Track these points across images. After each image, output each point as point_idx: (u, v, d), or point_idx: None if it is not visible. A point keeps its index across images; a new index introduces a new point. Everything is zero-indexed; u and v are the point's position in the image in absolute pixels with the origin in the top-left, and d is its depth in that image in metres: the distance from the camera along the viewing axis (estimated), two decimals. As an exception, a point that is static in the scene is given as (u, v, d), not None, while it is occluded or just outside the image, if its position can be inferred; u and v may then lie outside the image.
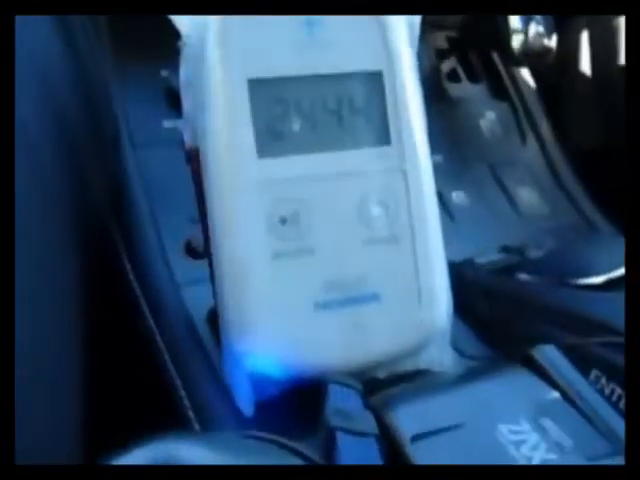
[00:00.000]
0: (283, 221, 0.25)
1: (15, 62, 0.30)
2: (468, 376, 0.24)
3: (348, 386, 0.22)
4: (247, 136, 0.25)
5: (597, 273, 0.30)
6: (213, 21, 0.25)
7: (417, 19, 0.29)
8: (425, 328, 0.26)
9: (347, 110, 0.26)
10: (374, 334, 0.26)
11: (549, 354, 0.23)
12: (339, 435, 0.19)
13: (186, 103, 0.28)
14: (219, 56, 0.25)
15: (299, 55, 0.25)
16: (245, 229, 0.25)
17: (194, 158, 0.27)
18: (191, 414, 0.28)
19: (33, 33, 0.33)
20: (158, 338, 0.33)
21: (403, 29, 0.27)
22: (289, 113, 0.25)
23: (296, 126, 0.25)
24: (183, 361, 0.31)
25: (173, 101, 0.42)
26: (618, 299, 0.27)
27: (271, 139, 0.25)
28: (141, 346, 0.34)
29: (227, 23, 0.25)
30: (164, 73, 0.42)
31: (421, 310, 0.26)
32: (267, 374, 0.25)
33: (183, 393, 0.30)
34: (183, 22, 0.27)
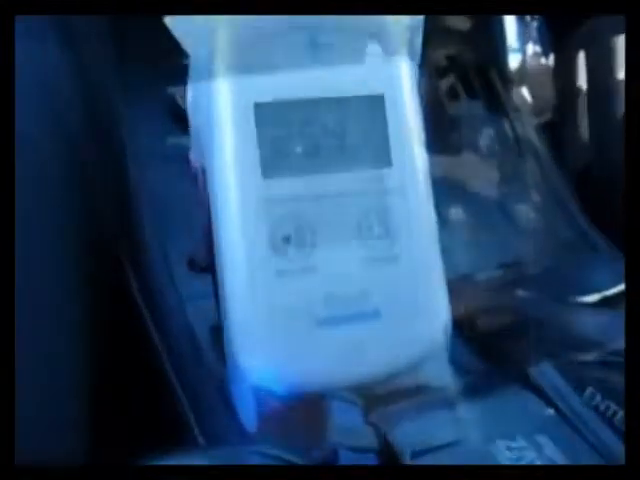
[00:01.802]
0: (286, 240, 0.26)
1: (21, 79, 0.31)
2: (467, 393, 0.24)
3: (349, 402, 0.23)
4: (252, 158, 0.25)
5: (592, 291, 0.30)
6: (220, 44, 0.26)
7: (419, 35, 0.29)
8: (424, 345, 0.27)
9: (350, 132, 0.26)
10: (374, 350, 0.26)
11: (545, 372, 0.23)
12: (340, 451, 0.20)
13: (193, 121, 0.28)
14: (226, 80, 0.25)
15: (303, 78, 0.26)
16: (249, 247, 0.25)
17: (200, 176, 0.28)
18: (196, 429, 0.28)
19: (39, 50, 0.34)
20: (163, 353, 0.33)
21: (405, 51, 0.28)
22: (293, 135, 0.26)
23: (300, 148, 0.26)
24: (187, 377, 0.32)
25: (178, 117, 0.42)
26: (612, 318, 0.28)
27: (276, 160, 0.26)
28: (146, 360, 0.34)
29: (234, 46, 0.26)
30: (170, 89, 0.43)
31: (420, 327, 0.27)
32: (270, 389, 0.26)
33: (188, 408, 0.31)
34: (189, 42, 0.28)
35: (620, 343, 0.26)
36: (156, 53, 0.38)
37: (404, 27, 0.28)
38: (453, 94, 0.56)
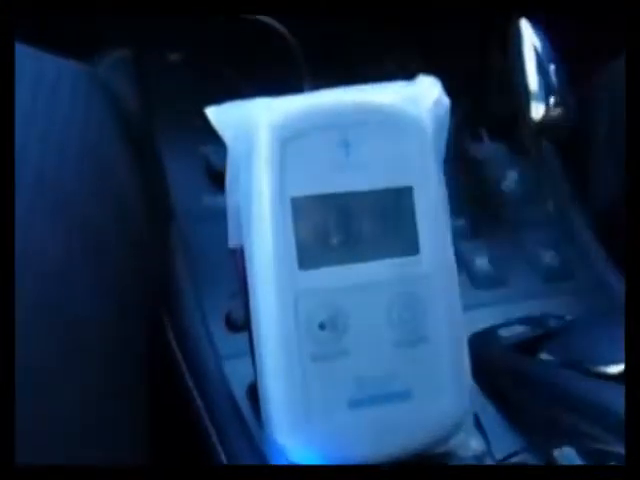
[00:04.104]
0: (322, 327, 0.27)
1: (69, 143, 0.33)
2: None
3: None
4: (290, 250, 0.27)
5: (614, 362, 0.31)
6: (260, 142, 0.28)
7: (446, 126, 0.31)
8: (452, 420, 0.29)
9: (380, 223, 0.28)
10: (404, 429, 0.28)
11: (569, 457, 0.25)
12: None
13: (230, 203, 0.30)
14: (265, 177, 0.27)
15: (337, 174, 0.28)
16: (286, 334, 0.27)
17: (238, 256, 0.30)
18: None
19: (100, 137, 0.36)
20: (203, 412, 0.35)
21: (432, 142, 0.29)
22: (328, 228, 0.28)
23: (334, 240, 0.28)
24: (226, 436, 0.34)
25: (214, 177, 0.44)
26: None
27: (311, 252, 0.28)
28: (186, 418, 0.36)
29: (273, 144, 0.28)
30: (206, 149, 0.45)
31: (448, 404, 0.29)
32: (305, 463, 0.27)
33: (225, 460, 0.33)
34: (230, 136, 0.29)
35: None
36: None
37: (431, 120, 0.29)
38: (476, 136, 0.56)
